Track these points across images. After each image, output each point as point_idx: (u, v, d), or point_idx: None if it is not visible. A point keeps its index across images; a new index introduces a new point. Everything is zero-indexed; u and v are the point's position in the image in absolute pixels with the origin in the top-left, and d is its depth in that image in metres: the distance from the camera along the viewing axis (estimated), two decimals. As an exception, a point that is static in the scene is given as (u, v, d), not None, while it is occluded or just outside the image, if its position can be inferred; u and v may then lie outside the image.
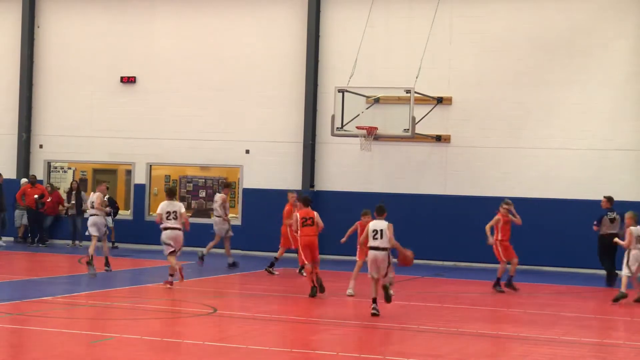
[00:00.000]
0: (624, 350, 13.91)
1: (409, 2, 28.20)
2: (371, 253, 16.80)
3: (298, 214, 19.53)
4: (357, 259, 19.51)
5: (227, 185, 25.81)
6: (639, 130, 26.36)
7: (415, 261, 23.99)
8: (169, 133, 30.16)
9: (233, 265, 24.14)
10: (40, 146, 31.48)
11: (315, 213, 19.50)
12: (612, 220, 22.89)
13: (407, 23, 28.11)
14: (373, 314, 16.34)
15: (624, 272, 19.43)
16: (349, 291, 19.47)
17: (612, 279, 22.90)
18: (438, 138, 27.73)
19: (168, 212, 19.84)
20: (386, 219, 16.99)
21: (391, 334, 14.80)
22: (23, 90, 31.36)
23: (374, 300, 16.58)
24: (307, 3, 28.94)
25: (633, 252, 19.38)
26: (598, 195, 26.08)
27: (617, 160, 26.50)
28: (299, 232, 19.26)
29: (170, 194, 20.56)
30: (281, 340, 14.19)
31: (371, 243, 16.76)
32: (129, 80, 30.65)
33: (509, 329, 15.51)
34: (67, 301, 17.35)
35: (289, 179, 28.92)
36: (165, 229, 19.94)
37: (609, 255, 22.98)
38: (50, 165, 31.85)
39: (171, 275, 19.76)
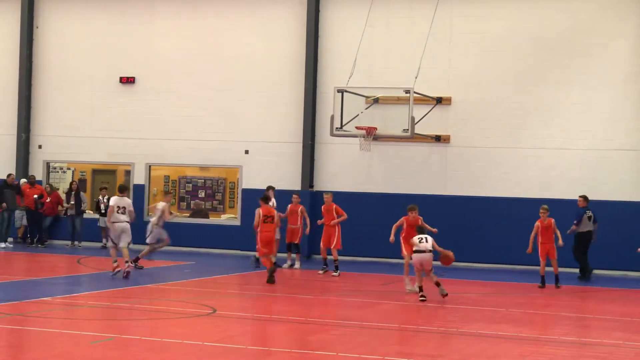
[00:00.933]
0: (624, 351, 13.90)
1: (409, 1, 28.20)
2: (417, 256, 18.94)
3: (260, 211, 21.29)
4: (405, 256, 20.44)
5: (167, 193, 25.54)
6: (638, 130, 26.35)
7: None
8: (168, 133, 30.15)
9: (125, 275, 21.68)
10: (40, 146, 31.47)
11: (275, 211, 21.48)
12: (589, 218, 24.36)
13: (406, 23, 28.11)
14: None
15: None
16: (408, 288, 20.15)
17: (586, 275, 24.11)
18: (437, 138, 27.72)
19: (118, 207, 21.55)
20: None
21: (391, 334, 14.79)
22: (22, 90, 31.35)
23: (421, 288, 18.82)
24: (306, 3, 28.94)
25: None
26: (598, 195, 26.18)
27: (617, 160, 26.50)
28: (259, 227, 21.17)
29: (122, 190, 22.05)
30: (280, 340, 14.17)
31: (417, 247, 18.96)
32: (128, 80, 30.64)
33: (509, 329, 15.49)
34: (66, 302, 17.33)
35: (288, 179, 28.92)
36: (114, 222, 21.59)
37: (585, 251, 24.32)
38: (49, 166, 31.84)
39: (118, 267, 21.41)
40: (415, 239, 19.09)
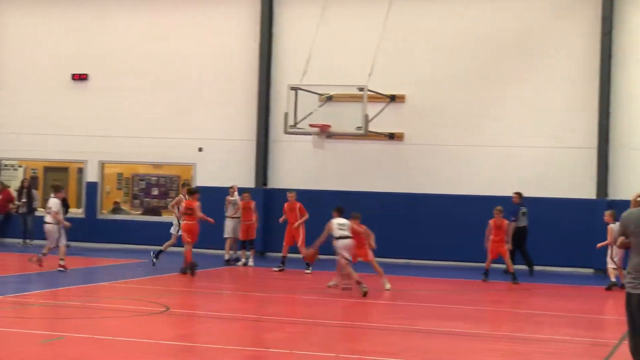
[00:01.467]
0: (573, 346, 14.04)
1: (363, 0, 28.24)
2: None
3: (184, 204, 22.68)
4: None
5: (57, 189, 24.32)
6: (590, 129, 26.58)
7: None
8: (121, 131, 29.95)
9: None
10: (-10, 144, 31.16)
11: (197, 204, 22.36)
12: (524, 214, 25.08)
13: (360, 20, 28.14)
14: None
15: (610, 265, 21.74)
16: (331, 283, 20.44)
17: (531, 269, 24.81)
18: (391, 136, 27.79)
19: (45, 208, 22.58)
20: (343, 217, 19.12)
21: (344, 331, 14.82)
22: (-27, 87, 31.04)
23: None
24: (260, 1, 28.89)
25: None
26: (551, 193, 26.45)
27: (569, 158, 26.72)
28: (183, 217, 22.58)
29: (57, 190, 22.80)
30: (234, 338, 14.14)
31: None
32: (80, 77, 30.42)
33: (463, 325, 15.58)
34: (17, 300, 17.17)
35: (242, 176, 28.85)
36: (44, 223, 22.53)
37: (523, 246, 25.01)
38: (0, 163, 31.51)
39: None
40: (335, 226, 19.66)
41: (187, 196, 23.25)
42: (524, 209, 25.15)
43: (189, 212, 22.37)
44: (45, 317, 15.64)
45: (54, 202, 22.52)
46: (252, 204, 25.21)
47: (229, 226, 25.22)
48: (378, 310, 17.61)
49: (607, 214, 22.13)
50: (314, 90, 26.07)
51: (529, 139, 27.01)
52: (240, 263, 24.95)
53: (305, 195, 25.95)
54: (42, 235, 29.33)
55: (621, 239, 9.40)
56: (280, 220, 24.47)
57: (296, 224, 23.85)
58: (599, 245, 22.52)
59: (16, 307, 16.41)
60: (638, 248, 9.25)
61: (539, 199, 26.38)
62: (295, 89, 25.60)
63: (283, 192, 27.09)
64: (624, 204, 20.22)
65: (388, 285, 20.14)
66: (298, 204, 24.04)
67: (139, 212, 30.83)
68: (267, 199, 28.13)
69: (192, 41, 29.60)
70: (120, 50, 30.14)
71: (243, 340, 13.99)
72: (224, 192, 28.07)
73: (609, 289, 21.46)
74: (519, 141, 27.10)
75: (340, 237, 19.55)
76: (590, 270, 26.18)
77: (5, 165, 31.70)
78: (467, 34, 27.54)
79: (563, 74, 26.88)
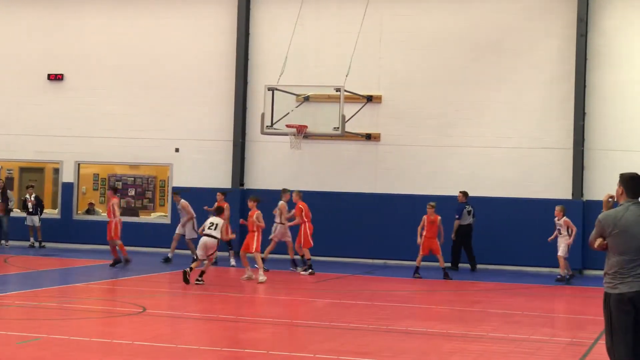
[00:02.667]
0: (551, 346, 14.10)
1: (339, 1, 28.27)
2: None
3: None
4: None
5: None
6: (566, 129, 26.73)
7: (345, 259, 24.24)
8: (97, 131, 29.86)
9: None
10: (-34, 144, 30.99)
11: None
12: (469, 213, 26.18)
13: (337, 21, 28.19)
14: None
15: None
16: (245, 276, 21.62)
17: (474, 266, 25.97)
18: (368, 136, 27.85)
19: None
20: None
21: (322, 332, 14.83)
22: (-53, 87, 30.84)
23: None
24: (237, 1, 28.87)
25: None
26: (527, 193, 26.59)
27: (545, 158, 26.86)
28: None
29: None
30: (211, 339, 14.13)
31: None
32: (56, 77, 30.30)
33: (439, 326, 15.63)
34: (-7, 301, 17.09)
35: (219, 177, 28.85)
36: None
37: (468, 243, 25.92)
38: (-25, 164, 31.37)
39: None
40: (207, 223, 21.20)
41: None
42: (469, 208, 26.17)
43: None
44: (22, 318, 15.57)
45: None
46: (225, 205, 25.12)
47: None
48: (355, 310, 17.63)
49: (558, 209, 23.18)
50: (290, 90, 26.09)
51: (505, 140, 27.12)
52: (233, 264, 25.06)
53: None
54: (17, 236, 29.41)
55: (599, 240, 9.50)
56: (292, 223, 24.29)
57: (292, 223, 24.04)
58: (550, 239, 23.56)
59: (-8, 308, 16.33)
60: (615, 249, 9.38)
61: (515, 199, 26.52)
62: (272, 89, 25.61)
63: (260, 192, 27.11)
64: (599, 205, 20.35)
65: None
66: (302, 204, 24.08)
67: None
68: (244, 199, 28.07)
69: (169, 41, 29.56)
70: (96, 50, 30.05)
71: (220, 341, 13.98)
72: (201, 192, 28.10)
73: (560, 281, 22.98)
74: (494, 141, 27.21)
75: None
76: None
77: (-20, 166, 31.53)
78: (444, 35, 27.62)
79: (539, 74, 27.01)
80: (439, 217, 23.44)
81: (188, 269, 20.35)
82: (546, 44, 27.04)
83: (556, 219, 23.20)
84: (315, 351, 12.77)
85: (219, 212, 21.71)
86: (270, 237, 24.39)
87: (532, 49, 27.12)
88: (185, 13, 29.52)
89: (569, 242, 23.12)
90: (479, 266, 26.17)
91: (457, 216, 25.94)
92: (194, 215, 25.32)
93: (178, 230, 25.50)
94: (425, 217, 23.42)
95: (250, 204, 22.18)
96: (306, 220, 23.77)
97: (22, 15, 30.71)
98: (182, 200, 25.50)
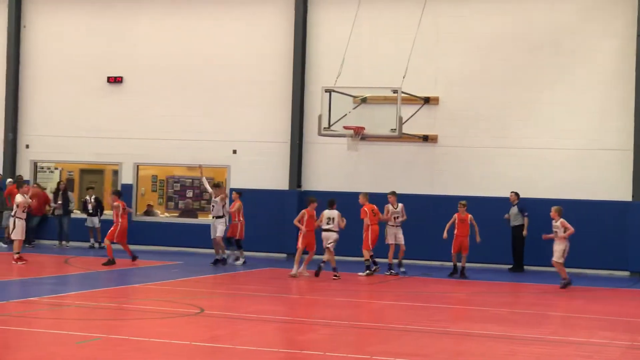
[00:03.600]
0: (611, 349, 13.95)
1: (396, 2, 28.23)
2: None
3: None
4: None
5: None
6: (624, 130, 26.43)
7: (403, 260, 24.20)
8: (156, 133, 30.11)
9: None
10: (27, 146, 31.42)
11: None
12: (521, 212, 26.08)
13: (393, 23, 28.13)
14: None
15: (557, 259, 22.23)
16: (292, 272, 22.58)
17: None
18: (425, 138, 27.76)
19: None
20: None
21: (378, 333, 14.81)
22: (9, 90, 31.29)
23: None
24: (294, 3, 28.95)
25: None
26: (584, 195, 26.33)
27: (603, 160, 26.57)
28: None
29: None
30: (268, 340, 14.17)
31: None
32: (115, 80, 30.61)
33: (496, 328, 15.53)
34: (53, 302, 17.30)
35: (276, 178, 28.94)
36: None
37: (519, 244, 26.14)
38: (36, 166, 31.77)
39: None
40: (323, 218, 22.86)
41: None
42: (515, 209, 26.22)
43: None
44: (81, 319, 15.74)
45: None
46: (239, 203, 25.74)
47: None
48: (411, 312, 17.59)
49: (554, 210, 22.37)
50: (348, 92, 26.10)
51: (563, 141, 26.90)
52: (238, 262, 25.63)
53: (338, 197, 25.96)
54: (78, 237, 29.78)
55: None
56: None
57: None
58: (545, 237, 22.87)
59: (52, 308, 16.53)
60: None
61: (573, 201, 26.24)
62: (329, 90, 25.64)
63: (317, 193, 27.19)
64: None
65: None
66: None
67: (175, 215, 30.96)
68: (301, 200, 28.15)
69: (226, 43, 29.71)
70: (154, 53, 30.31)
71: (276, 342, 14.02)
72: (258, 194, 28.25)
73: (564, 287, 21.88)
74: (552, 143, 26.99)
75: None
76: (626, 273, 26.04)
77: (42, 168, 31.95)
78: (501, 36, 27.46)
79: (597, 75, 26.74)
80: (470, 216, 23.59)
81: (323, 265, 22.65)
82: (604, 44, 26.75)
83: (553, 220, 22.26)
84: (372, 353, 12.75)
85: (331, 204, 23.11)
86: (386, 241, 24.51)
87: (590, 48, 26.84)
88: (241, 14, 29.65)
89: (564, 247, 22.07)
90: (533, 268, 25.98)
91: (526, 214, 26.00)
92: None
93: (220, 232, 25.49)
94: (456, 215, 23.59)
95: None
96: (371, 223, 23.70)
97: (82, 20, 31.06)
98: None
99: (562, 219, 22.16)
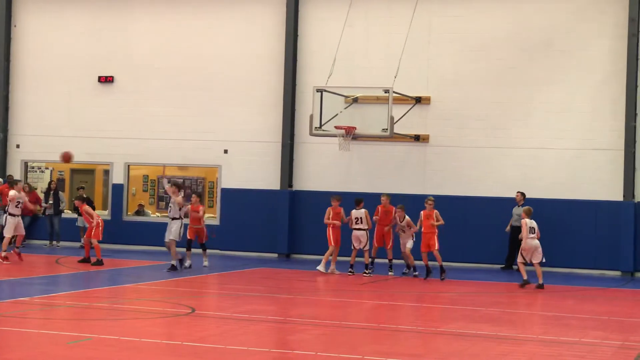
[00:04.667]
0: (602, 349, 13.94)
1: (388, 2, 28.21)
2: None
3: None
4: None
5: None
6: (617, 130, 26.45)
7: (394, 261, 24.19)
8: (147, 133, 30.06)
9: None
10: (17, 146, 31.34)
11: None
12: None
13: (385, 23, 28.12)
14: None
15: (520, 260, 22.04)
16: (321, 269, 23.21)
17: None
18: (417, 138, 27.75)
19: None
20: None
21: (370, 333, 14.78)
22: (0, 89, 31.17)
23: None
24: (285, 3, 28.92)
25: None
26: (576, 195, 26.32)
27: (596, 159, 26.60)
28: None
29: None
30: (259, 340, 14.14)
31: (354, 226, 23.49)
32: (106, 80, 30.54)
33: (488, 328, 15.51)
34: (44, 302, 17.24)
35: (268, 178, 28.91)
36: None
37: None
38: (27, 165, 31.68)
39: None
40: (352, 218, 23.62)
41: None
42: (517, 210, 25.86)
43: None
44: (72, 319, 15.69)
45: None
46: (201, 207, 24.81)
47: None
48: (403, 312, 17.57)
49: (524, 210, 22.45)
50: (339, 92, 26.09)
51: (555, 141, 26.91)
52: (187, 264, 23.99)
53: (330, 197, 25.94)
54: (68, 237, 29.70)
55: None
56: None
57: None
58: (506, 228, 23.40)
59: (43, 308, 16.48)
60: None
61: (565, 201, 26.28)
62: (320, 90, 25.63)
63: (309, 193, 27.17)
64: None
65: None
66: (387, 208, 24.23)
67: (166, 214, 30.83)
68: (292, 200, 28.14)
69: (217, 43, 29.67)
70: (145, 52, 30.25)
71: (268, 342, 13.99)
72: (249, 194, 28.21)
73: (522, 286, 21.73)
74: (544, 143, 27.01)
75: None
76: (617, 273, 26.07)
77: (32, 168, 31.86)
78: (493, 35, 27.47)
79: (590, 75, 26.75)
80: (436, 212, 23.31)
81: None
82: (597, 44, 26.78)
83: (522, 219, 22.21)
84: (363, 353, 12.73)
85: (358, 203, 23.78)
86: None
87: (583, 49, 26.86)
88: (233, 15, 29.61)
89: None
90: (529, 268, 25.98)
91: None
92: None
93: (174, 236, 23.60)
94: (422, 212, 23.38)
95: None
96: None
97: (73, 19, 30.99)
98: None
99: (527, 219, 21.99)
